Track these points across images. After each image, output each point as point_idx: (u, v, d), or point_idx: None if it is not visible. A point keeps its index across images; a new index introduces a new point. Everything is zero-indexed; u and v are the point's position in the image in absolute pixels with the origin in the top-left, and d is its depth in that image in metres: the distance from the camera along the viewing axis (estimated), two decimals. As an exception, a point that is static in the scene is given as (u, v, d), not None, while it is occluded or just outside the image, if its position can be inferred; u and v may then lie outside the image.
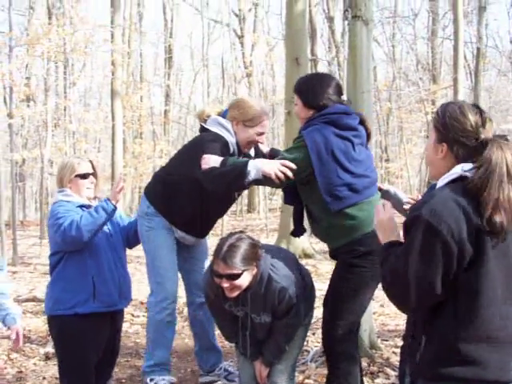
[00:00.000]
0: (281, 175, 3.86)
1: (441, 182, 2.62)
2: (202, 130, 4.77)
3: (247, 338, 4.13)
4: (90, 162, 4.60)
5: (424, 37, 30.31)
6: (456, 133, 2.59)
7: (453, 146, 2.61)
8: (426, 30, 31.22)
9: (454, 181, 2.56)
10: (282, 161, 3.92)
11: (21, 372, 6.56)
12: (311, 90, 4.16)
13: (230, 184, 4.08)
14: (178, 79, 38.34)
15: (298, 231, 4.45)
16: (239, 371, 4.47)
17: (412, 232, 2.51)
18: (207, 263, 5.08)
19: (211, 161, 4.13)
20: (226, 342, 6.66)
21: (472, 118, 2.59)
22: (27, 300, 10.44)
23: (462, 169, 2.55)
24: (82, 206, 4.46)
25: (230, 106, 4.73)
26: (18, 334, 4.37)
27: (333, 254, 4.25)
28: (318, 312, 7.67)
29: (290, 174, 3.88)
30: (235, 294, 3.83)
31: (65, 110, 25.52)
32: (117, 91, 20.11)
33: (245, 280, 3.81)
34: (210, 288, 4.06)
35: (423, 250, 2.46)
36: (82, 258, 4.38)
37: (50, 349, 7.05)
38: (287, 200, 4.43)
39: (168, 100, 31.78)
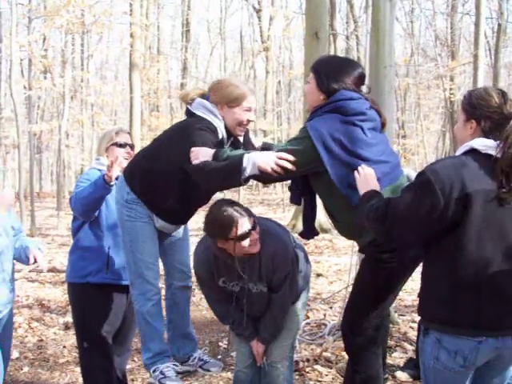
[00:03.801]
0: (277, 168, 3.59)
1: (457, 153, 3.00)
2: (189, 113, 4.43)
3: (244, 315, 4.03)
4: (129, 133, 4.64)
5: (443, 12, 30.02)
6: (482, 109, 2.96)
7: (480, 121, 2.97)
8: (445, 5, 30.88)
9: (466, 153, 2.93)
10: (279, 153, 3.61)
11: (41, 340, 6.68)
12: (328, 74, 3.81)
13: (226, 182, 3.83)
14: (194, 53, 38.32)
15: (309, 232, 4.13)
16: (236, 352, 4.36)
17: (415, 180, 2.96)
18: (188, 241, 4.85)
19: (201, 155, 3.84)
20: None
21: (495, 96, 2.98)
22: (46, 270, 10.55)
23: (478, 143, 2.91)
24: None
25: (210, 91, 4.36)
26: (34, 258, 4.29)
27: (361, 250, 3.88)
28: (335, 286, 7.78)
29: (288, 165, 3.59)
30: (257, 248, 3.77)
31: (82, 81, 25.64)
32: (135, 63, 20.10)
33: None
34: (202, 266, 3.98)
35: (415, 199, 2.86)
36: (100, 228, 4.42)
37: (69, 318, 7.15)
38: (294, 199, 4.10)
39: (185, 73, 31.78)
